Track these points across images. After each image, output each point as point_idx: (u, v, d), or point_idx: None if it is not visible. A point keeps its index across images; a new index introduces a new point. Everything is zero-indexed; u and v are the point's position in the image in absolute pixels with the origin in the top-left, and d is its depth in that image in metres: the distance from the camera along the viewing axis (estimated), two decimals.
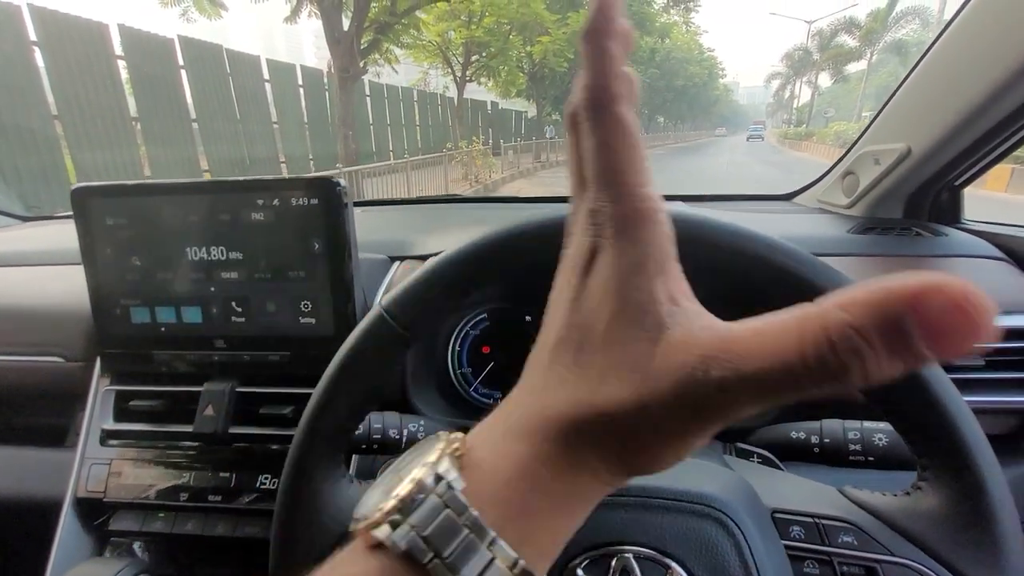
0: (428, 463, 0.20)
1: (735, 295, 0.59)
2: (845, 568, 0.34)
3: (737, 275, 0.35)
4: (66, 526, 0.62)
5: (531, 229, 0.36)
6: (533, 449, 0.19)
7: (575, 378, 0.19)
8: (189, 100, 7.19)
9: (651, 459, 0.19)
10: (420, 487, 0.19)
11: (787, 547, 0.34)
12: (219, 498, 0.61)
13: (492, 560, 0.18)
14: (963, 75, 0.64)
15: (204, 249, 0.62)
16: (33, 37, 5.18)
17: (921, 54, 0.71)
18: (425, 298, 0.37)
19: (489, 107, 18.56)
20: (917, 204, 0.82)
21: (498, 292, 0.73)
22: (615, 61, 0.19)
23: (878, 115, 0.81)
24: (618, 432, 0.18)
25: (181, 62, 7.04)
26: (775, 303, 0.16)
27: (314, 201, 0.60)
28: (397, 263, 0.75)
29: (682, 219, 0.35)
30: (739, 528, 0.33)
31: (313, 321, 0.63)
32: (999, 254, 0.71)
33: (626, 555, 0.32)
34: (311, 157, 9.56)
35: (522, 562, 0.18)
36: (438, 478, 0.19)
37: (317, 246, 0.61)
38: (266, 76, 8.59)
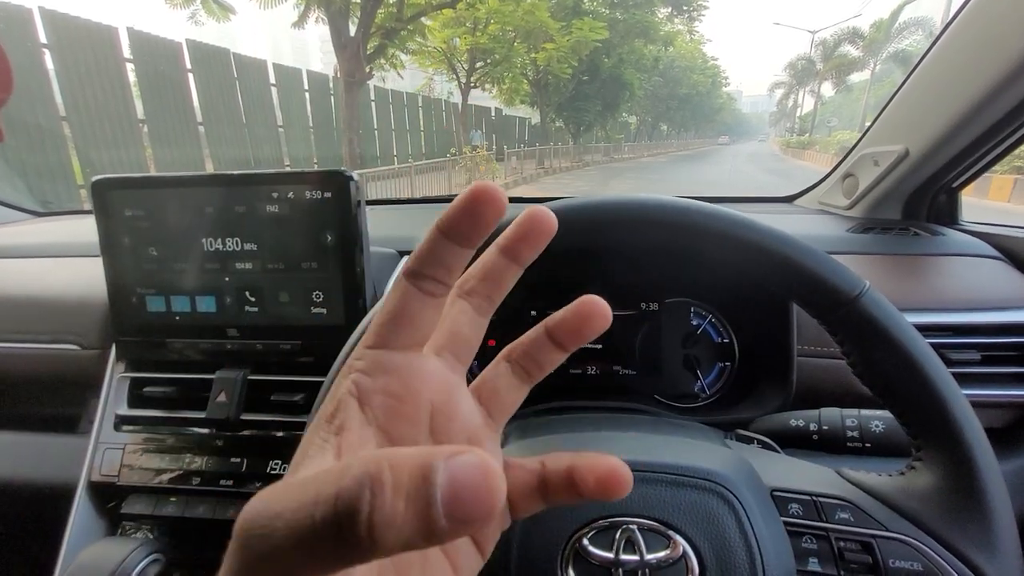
0: None
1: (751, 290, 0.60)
2: (842, 543, 0.35)
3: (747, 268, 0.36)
4: (80, 509, 0.63)
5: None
6: None
7: None
8: (196, 103, 7.27)
9: None
10: None
11: (786, 523, 0.36)
12: (230, 483, 0.62)
13: None
14: (959, 78, 0.66)
15: (219, 240, 0.64)
16: (44, 40, 5.25)
17: (919, 57, 0.72)
18: None
19: (493, 113, 18.65)
20: (916, 205, 0.84)
21: None
22: (440, 252, 0.21)
23: (878, 117, 0.82)
24: None
25: (188, 65, 7.12)
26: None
27: (327, 194, 0.62)
28: (406, 257, 0.77)
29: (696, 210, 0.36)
30: (740, 503, 0.34)
31: (324, 311, 0.64)
32: (995, 253, 0.73)
33: (631, 527, 0.33)
34: (315, 161, 9.64)
35: None
36: None
37: (330, 238, 0.63)
38: (272, 80, 8.66)
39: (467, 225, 0.20)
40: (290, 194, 0.62)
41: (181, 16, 9.33)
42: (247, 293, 0.65)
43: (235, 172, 0.63)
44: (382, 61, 10.75)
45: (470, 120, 15.63)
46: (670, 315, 0.74)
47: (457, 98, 15.49)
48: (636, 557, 0.33)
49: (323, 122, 10.08)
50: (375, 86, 11.48)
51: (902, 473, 0.37)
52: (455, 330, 0.24)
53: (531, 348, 0.25)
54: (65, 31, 5.48)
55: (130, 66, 6.31)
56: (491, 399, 0.25)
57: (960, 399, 0.33)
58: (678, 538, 0.33)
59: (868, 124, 0.87)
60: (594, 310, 0.23)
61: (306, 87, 9.53)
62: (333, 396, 0.21)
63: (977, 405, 0.34)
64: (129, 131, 6.31)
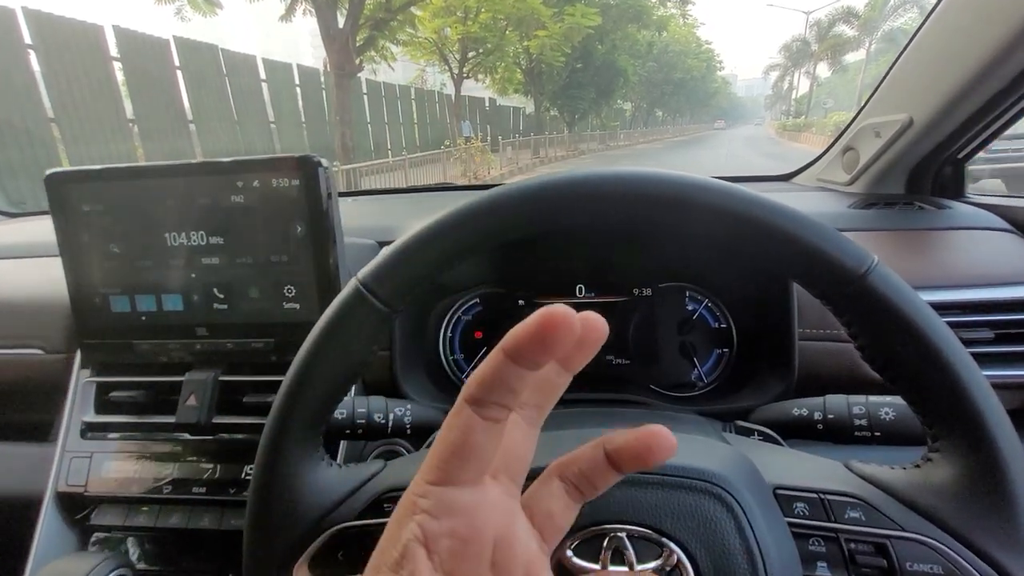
0: None
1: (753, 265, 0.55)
2: (853, 545, 0.32)
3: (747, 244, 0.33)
4: (47, 521, 0.60)
5: (514, 196, 0.34)
6: None
7: None
8: (185, 101, 7.19)
9: None
10: None
11: (791, 524, 0.32)
12: (203, 490, 0.59)
13: None
14: (963, 42, 0.62)
15: (184, 234, 0.60)
16: (28, 41, 5.17)
17: (921, 20, 0.68)
18: (405, 270, 0.35)
19: (487, 104, 18.49)
20: (919, 179, 0.80)
21: (489, 275, 0.71)
22: (506, 376, 0.20)
23: (879, 87, 0.78)
24: None
25: (177, 63, 7.04)
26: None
27: (295, 182, 0.58)
28: (386, 248, 0.73)
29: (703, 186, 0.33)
30: (739, 505, 0.31)
31: (297, 306, 0.61)
32: (1005, 225, 0.69)
33: (619, 535, 0.30)
34: None
35: None
36: None
37: (300, 229, 0.59)
38: (263, 76, 8.58)
39: (539, 351, 0.19)
40: (255, 183, 0.58)
41: (167, 12, 9.20)
42: (215, 290, 0.61)
43: (197, 161, 0.59)
44: (372, 53, 10.61)
45: (464, 111, 15.51)
46: (664, 301, 0.70)
47: (450, 89, 15.34)
48: (625, 568, 0.29)
49: (315, 116, 10.01)
50: (367, 79, 11.36)
51: (917, 466, 0.33)
52: (510, 448, 0.23)
53: (588, 470, 0.24)
54: (50, 31, 5.40)
55: (118, 65, 6.23)
56: (545, 522, 0.24)
57: (981, 382, 0.30)
58: (672, 546, 0.30)
59: (864, 101, 0.83)
60: (659, 442, 0.22)
61: (297, 82, 9.44)
62: (397, 540, 0.21)
63: (991, 387, 0.30)
64: (119, 131, 6.25)
